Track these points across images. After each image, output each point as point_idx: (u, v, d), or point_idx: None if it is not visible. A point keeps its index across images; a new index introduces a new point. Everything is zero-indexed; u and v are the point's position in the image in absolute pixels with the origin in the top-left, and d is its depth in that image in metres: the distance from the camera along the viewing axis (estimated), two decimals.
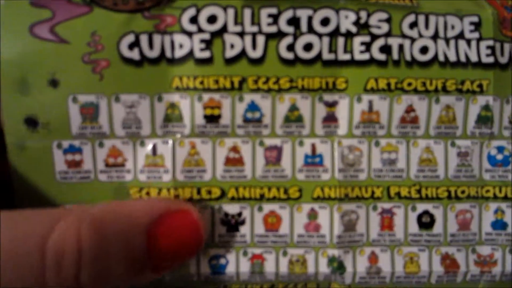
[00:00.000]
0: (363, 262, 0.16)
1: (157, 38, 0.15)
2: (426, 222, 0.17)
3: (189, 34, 0.15)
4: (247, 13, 0.15)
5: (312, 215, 0.16)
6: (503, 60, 0.17)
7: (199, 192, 0.16)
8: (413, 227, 0.17)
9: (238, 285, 0.17)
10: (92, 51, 0.15)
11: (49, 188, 0.16)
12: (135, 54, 0.15)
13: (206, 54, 0.15)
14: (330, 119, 0.16)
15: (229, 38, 0.15)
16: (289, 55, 0.15)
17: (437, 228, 0.17)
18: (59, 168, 0.16)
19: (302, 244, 0.16)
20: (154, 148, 0.16)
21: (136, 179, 0.16)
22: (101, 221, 0.13)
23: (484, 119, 0.17)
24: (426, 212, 0.17)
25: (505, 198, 0.17)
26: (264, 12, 0.15)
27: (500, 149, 0.17)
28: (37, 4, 0.15)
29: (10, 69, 0.15)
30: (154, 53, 0.15)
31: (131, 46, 0.15)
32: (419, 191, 0.17)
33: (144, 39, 0.15)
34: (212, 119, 0.15)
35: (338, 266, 0.16)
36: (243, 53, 0.15)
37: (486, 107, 0.17)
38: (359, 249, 0.17)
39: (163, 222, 0.14)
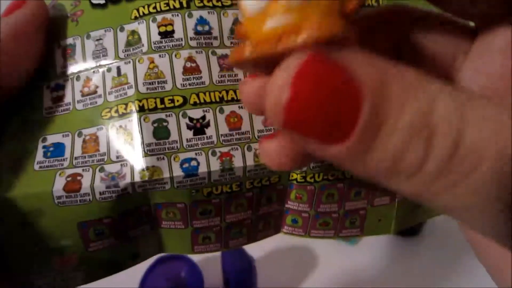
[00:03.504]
0: None
1: None
2: None
3: None
4: None
5: None
6: None
7: (162, 101, 0.17)
8: None
9: (209, 187, 0.17)
10: (73, 8, 0.18)
11: (38, 122, 0.17)
12: (101, 0, 0.18)
13: None
14: None
15: None
16: None
17: None
18: (46, 104, 0.18)
19: None
20: (119, 69, 0.17)
21: (106, 101, 0.17)
22: None
23: None
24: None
25: None
26: None
27: None
28: None
29: None
30: None
31: None
32: None
33: None
34: (166, 34, 0.18)
35: None
36: None
37: None
38: None
39: None
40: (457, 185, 0.08)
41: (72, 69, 0.18)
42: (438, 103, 0.08)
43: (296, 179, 0.18)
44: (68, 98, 0.18)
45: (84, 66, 0.18)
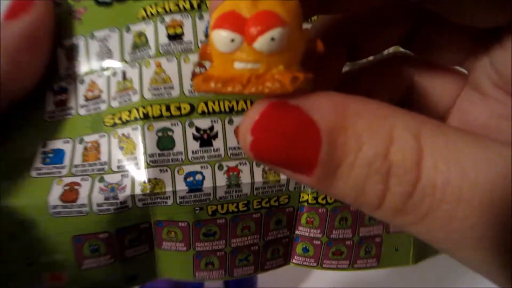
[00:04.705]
0: None
1: None
2: None
3: None
4: None
5: None
6: None
7: (168, 108, 0.16)
8: None
9: (214, 205, 0.16)
10: (74, 4, 0.17)
11: (39, 126, 0.17)
12: None
13: None
14: None
15: None
16: None
17: None
18: (49, 108, 0.17)
19: None
20: (124, 74, 0.16)
21: (109, 107, 0.16)
22: None
23: None
24: None
25: None
26: None
27: None
28: None
29: None
30: None
31: None
32: None
33: None
34: (175, 37, 0.16)
35: None
36: None
37: None
38: None
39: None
40: (418, 223, 0.08)
41: (76, 71, 0.17)
42: (396, 141, 0.08)
43: (307, 200, 0.17)
44: (71, 102, 0.17)
45: (89, 69, 0.17)
